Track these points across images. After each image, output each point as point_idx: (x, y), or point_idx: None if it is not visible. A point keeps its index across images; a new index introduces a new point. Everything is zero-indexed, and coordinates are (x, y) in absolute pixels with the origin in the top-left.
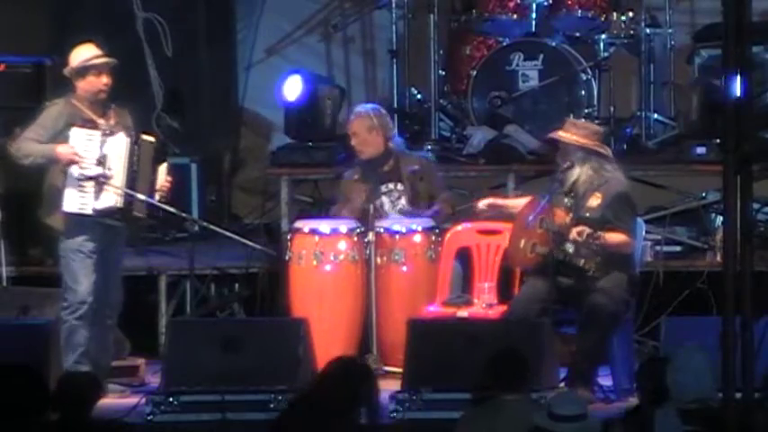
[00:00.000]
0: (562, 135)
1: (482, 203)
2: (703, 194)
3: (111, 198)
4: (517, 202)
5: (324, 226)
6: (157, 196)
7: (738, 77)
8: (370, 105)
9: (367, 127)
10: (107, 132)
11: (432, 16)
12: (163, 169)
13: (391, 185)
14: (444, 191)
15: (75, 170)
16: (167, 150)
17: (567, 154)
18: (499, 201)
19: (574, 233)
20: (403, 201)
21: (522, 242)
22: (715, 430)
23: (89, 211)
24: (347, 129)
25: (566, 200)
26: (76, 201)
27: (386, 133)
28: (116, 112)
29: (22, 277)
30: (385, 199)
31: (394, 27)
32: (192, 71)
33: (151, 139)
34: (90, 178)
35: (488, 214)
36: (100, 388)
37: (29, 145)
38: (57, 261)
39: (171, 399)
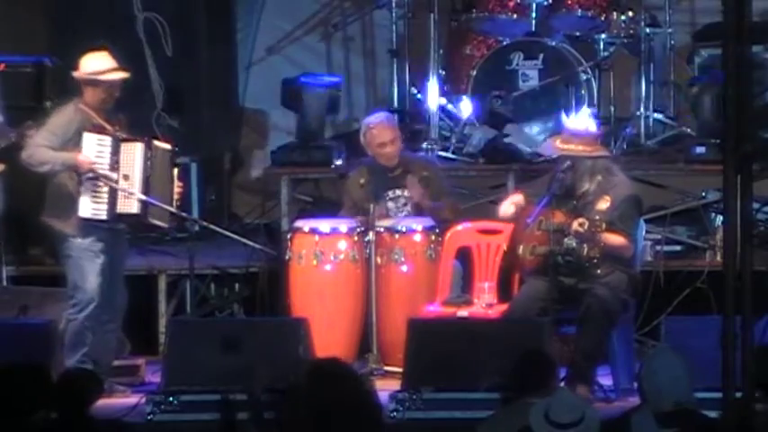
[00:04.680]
0: (567, 149)
1: (509, 204)
2: (703, 194)
3: (128, 203)
4: None
5: (324, 225)
6: (175, 204)
7: (738, 77)
8: (384, 114)
9: (396, 136)
10: (119, 138)
11: (432, 16)
12: (174, 175)
13: (399, 192)
14: (449, 196)
15: (90, 176)
16: (178, 155)
17: (576, 164)
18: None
19: (575, 225)
20: (409, 207)
21: (521, 247)
22: None
23: (103, 217)
24: (375, 137)
25: (567, 202)
26: (91, 206)
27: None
28: (120, 119)
29: (22, 277)
30: (391, 204)
31: (394, 27)
32: (192, 71)
33: (167, 146)
34: (107, 183)
35: (510, 216)
36: (100, 386)
37: (43, 152)
38: (58, 261)
39: (171, 398)
